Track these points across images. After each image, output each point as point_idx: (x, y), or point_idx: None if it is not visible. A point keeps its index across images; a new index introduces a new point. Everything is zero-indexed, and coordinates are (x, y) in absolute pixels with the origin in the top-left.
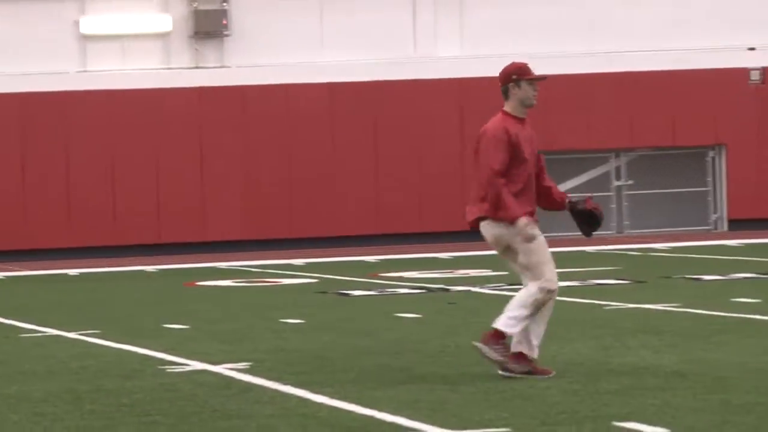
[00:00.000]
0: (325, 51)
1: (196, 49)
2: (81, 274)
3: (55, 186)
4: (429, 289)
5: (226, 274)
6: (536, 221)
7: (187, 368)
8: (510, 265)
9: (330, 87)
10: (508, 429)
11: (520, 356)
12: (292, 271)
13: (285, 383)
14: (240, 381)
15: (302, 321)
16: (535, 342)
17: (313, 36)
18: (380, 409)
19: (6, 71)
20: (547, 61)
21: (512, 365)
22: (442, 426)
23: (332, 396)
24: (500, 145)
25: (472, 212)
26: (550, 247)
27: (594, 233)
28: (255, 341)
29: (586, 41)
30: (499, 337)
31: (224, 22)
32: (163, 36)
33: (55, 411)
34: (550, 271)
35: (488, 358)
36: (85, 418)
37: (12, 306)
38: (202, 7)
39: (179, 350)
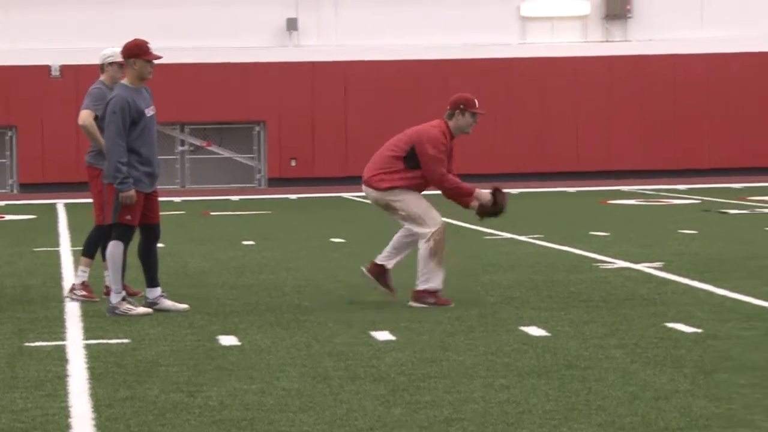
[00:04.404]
0: (704, 29)
1: (607, 28)
2: (520, 192)
3: (499, 126)
4: None
5: (629, 195)
6: None
7: (615, 266)
8: (394, 218)
9: (707, 57)
10: None
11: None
12: (679, 194)
13: (692, 279)
14: (657, 276)
15: (696, 231)
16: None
17: (694, 18)
18: None
19: (464, 42)
20: None
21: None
22: None
23: (732, 290)
24: (443, 148)
25: (379, 179)
26: None
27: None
28: (663, 246)
29: None
30: (423, 293)
31: (628, 7)
32: (582, 18)
33: (520, 296)
34: (430, 216)
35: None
36: (546, 301)
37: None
38: None
39: (606, 251)
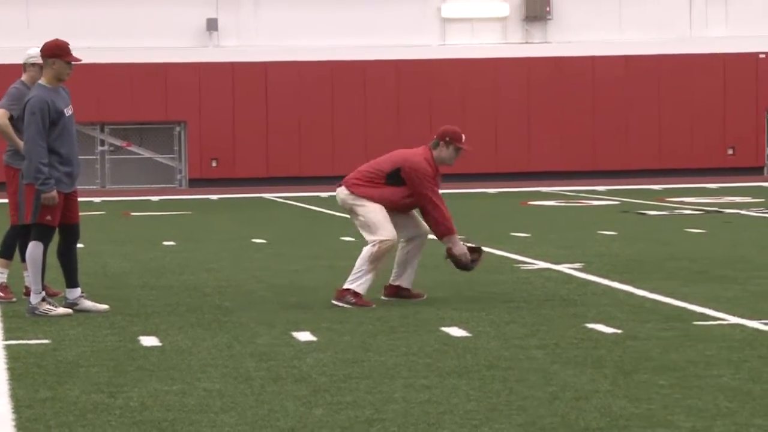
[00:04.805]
0: (622, 31)
1: (527, 30)
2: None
3: (419, 128)
4: (707, 211)
5: (549, 196)
6: None
7: (536, 266)
8: (353, 221)
9: (626, 59)
10: None
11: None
12: (598, 195)
13: (612, 280)
14: (577, 277)
15: (615, 233)
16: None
17: (613, 20)
18: (690, 302)
19: (385, 44)
20: None
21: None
22: (741, 317)
23: (652, 291)
24: (430, 178)
25: (356, 183)
26: None
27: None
28: (583, 247)
29: None
30: (346, 292)
31: (548, 8)
32: (502, 19)
33: (442, 296)
34: (384, 227)
35: (345, 305)
36: (467, 302)
37: None
38: None
39: (527, 252)
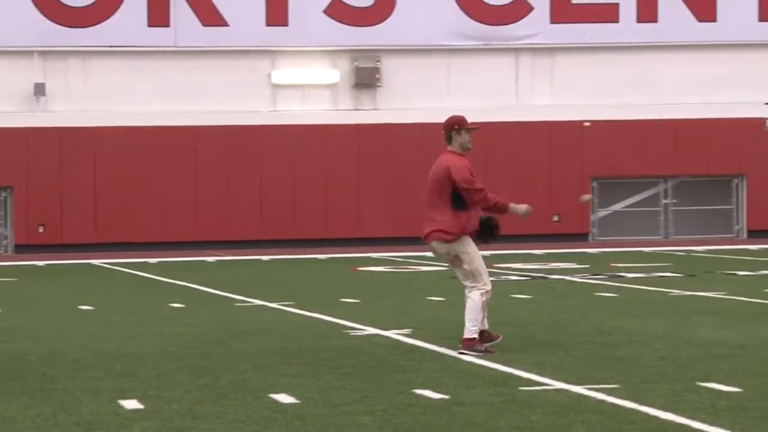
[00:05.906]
0: (450, 98)
1: (356, 96)
2: (271, 259)
3: (249, 194)
4: (533, 277)
5: (378, 262)
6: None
7: (365, 332)
8: (455, 271)
9: None
10: (617, 385)
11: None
12: (427, 261)
13: (440, 346)
14: (406, 343)
15: (444, 298)
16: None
17: (441, 87)
18: (516, 367)
19: (215, 109)
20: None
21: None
22: (566, 382)
23: (478, 356)
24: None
25: (441, 231)
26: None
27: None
28: (412, 313)
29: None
30: (473, 341)
31: (377, 76)
32: (332, 86)
33: (270, 363)
34: (487, 276)
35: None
36: (296, 368)
37: (225, 282)
38: (361, 65)
39: (356, 318)
